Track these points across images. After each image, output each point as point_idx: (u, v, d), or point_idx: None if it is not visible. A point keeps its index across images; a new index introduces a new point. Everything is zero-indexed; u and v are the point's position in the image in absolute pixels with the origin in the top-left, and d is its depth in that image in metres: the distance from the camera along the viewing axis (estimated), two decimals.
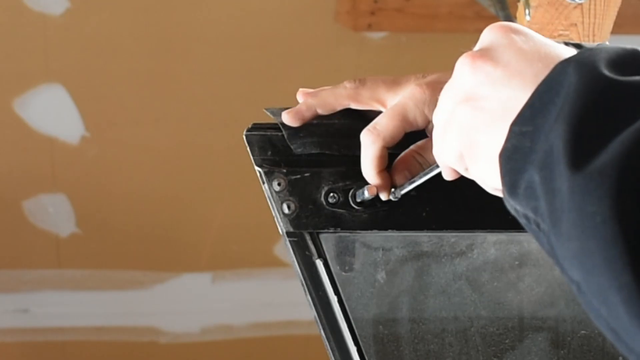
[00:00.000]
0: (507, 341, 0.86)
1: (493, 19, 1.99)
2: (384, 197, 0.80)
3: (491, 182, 0.64)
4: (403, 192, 0.79)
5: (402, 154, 0.81)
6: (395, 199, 0.79)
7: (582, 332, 0.87)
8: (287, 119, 0.82)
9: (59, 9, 2.20)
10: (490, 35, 0.65)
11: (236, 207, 2.44)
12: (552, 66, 0.58)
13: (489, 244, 0.84)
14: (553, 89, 0.57)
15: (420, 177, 0.77)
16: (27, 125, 2.31)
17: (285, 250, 0.83)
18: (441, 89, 0.67)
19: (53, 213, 2.41)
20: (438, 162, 0.70)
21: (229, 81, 2.33)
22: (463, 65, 0.64)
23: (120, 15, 2.24)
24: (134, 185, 2.41)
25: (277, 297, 2.58)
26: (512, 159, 0.58)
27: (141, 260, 2.50)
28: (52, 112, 2.31)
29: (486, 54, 0.63)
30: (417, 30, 2.39)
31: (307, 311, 0.84)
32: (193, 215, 2.48)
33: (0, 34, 2.20)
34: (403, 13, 2.37)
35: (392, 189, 0.79)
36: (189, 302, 2.57)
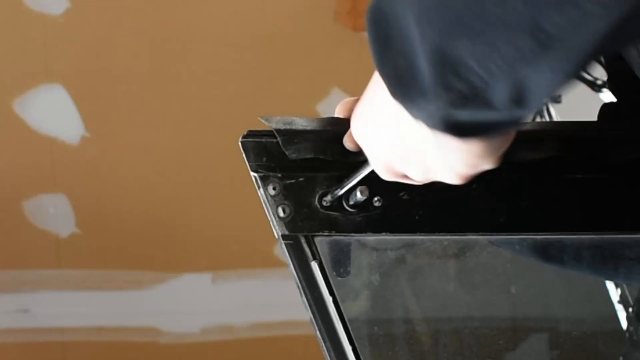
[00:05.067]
0: (500, 342, 0.87)
1: None
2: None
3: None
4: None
5: None
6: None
7: (575, 333, 0.87)
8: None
9: (59, 9, 2.20)
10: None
11: (236, 207, 2.44)
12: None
13: (482, 247, 0.85)
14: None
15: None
16: (27, 125, 2.31)
17: None
18: None
19: (53, 213, 2.41)
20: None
21: (228, 81, 2.34)
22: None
23: (120, 16, 2.24)
24: (134, 185, 2.41)
25: (277, 297, 2.58)
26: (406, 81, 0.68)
27: (141, 260, 2.50)
28: (52, 112, 2.31)
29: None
30: None
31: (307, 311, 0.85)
32: (193, 215, 2.48)
33: (0, 34, 2.21)
34: None
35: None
36: (189, 302, 2.57)
